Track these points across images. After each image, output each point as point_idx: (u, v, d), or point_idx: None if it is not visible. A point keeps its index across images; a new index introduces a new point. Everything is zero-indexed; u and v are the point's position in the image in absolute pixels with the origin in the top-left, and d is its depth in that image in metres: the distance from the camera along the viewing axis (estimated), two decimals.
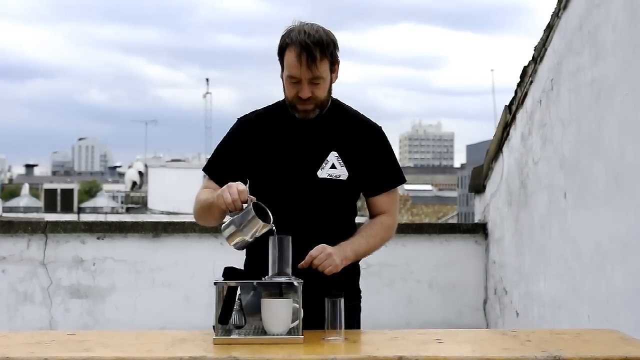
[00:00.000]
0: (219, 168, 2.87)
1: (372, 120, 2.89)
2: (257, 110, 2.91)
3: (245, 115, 2.91)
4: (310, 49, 2.64)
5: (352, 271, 2.87)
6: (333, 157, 2.78)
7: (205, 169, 2.91)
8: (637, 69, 3.76)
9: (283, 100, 2.84)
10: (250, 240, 2.58)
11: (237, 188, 2.55)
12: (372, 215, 2.89)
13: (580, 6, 4.38)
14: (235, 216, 2.56)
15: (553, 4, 4.71)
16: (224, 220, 2.63)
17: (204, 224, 2.92)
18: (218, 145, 2.91)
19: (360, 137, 2.82)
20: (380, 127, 2.88)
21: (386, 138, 2.88)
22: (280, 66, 2.77)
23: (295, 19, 2.76)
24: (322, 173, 2.76)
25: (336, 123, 2.82)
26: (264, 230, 2.56)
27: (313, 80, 2.68)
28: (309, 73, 2.66)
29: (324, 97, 2.74)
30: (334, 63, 2.74)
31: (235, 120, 2.92)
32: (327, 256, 2.63)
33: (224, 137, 2.90)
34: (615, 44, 3.98)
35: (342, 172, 2.77)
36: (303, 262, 2.61)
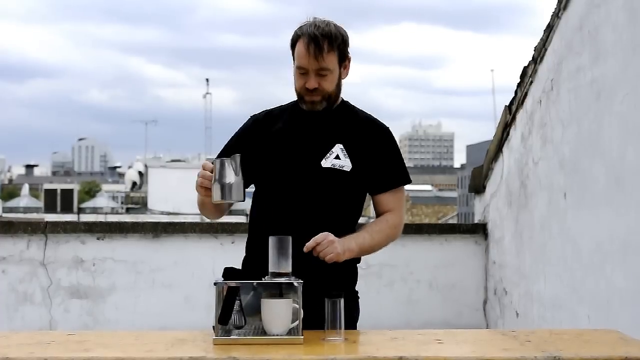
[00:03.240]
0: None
1: (380, 120, 2.92)
2: (269, 109, 2.97)
3: (257, 114, 2.97)
4: (318, 40, 2.71)
5: (350, 273, 2.87)
6: (338, 148, 2.81)
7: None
8: (637, 70, 3.76)
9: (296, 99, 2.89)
10: (232, 182, 2.61)
11: (202, 167, 2.66)
12: (379, 214, 2.90)
13: (580, 6, 4.38)
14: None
15: (554, 4, 4.72)
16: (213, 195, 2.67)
17: (210, 219, 3.01)
18: (228, 141, 2.95)
19: (367, 134, 2.85)
20: (388, 127, 2.91)
21: (393, 138, 2.92)
22: (292, 60, 2.82)
23: (309, 15, 2.83)
24: (326, 163, 2.79)
25: (344, 119, 2.86)
26: (233, 163, 2.61)
27: (320, 71, 2.74)
28: (315, 64, 2.72)
29: (331, 90, 2.78)
30: (343, 58, 2.79)
31: (247, 118, 2.98)
32: (330, 243, 2.64)
33: (235, 134, 2.95)
34: (615, 44, 3.98)
35: (346, 163, 2.80)
36: (306, 246, 2.62)
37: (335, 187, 2.79)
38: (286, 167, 2.81)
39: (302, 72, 2.76)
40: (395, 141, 2.92)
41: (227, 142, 2.96)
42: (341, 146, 2.81)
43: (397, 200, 2.89)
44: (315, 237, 2.64)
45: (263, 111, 2.96)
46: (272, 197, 2.81)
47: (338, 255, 2.65)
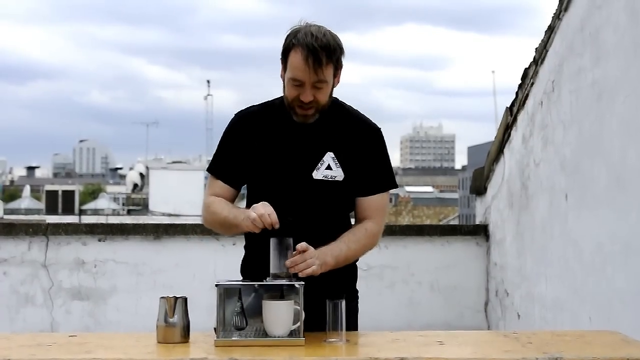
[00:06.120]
0: (224, 167, 2.81)
1: (373, 121, 2.86)
2: (255, 106, 2.87)
3: (243, 110, 2.87)
4: (318, 53, 2.61)
5: (349, 272, 2.85)
6: (329, 157, 2.75)
7: (210, 169, 2.85)
8: (639, 71, 3.76)
9: (282, 97, 2.80)
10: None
11: (267, 214, 2.54)
12: (359, 218, 2.83)
13: (582, 8, 4.38)
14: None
15: (555, 5, 4.71)
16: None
17: (215, 231, 2.93)
18: (219, 144, 2.85)
19: (359, 136, 2.79)
20: (380, 128, 2.85)
21: (384, 140, 2.85)
22: (281, 65, 2.74)
23: (302, 19, 2.73)
24: (317, 174, 2.74)
25: (334, 123, 2.78)
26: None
27: (316, 84, 2.65)
28: (314, 77, 2.63)
29: (325, 102, 2.71)
30: (337, 68, 2.71)
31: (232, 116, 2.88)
32: (306, 263, 2.56)
33: (224, 135, 2.85)
34: (617, 45, 3.98)
35: (337, 173, 2.74)
36: (288, 264, 2.55)
37: (327, 198, 2.74)
38: (277, 179, 2.74)
39: (296, 84, 2.66)
40: (385, 144, 2.85)
41: (219, 146, 2.85)
42: (332, 155, 2.75)
43: (380, 206, 2.82)
44: (304, 252, 2.56)
45: (249, 107, 2.86)
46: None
47: (314, 271, 2.57)
